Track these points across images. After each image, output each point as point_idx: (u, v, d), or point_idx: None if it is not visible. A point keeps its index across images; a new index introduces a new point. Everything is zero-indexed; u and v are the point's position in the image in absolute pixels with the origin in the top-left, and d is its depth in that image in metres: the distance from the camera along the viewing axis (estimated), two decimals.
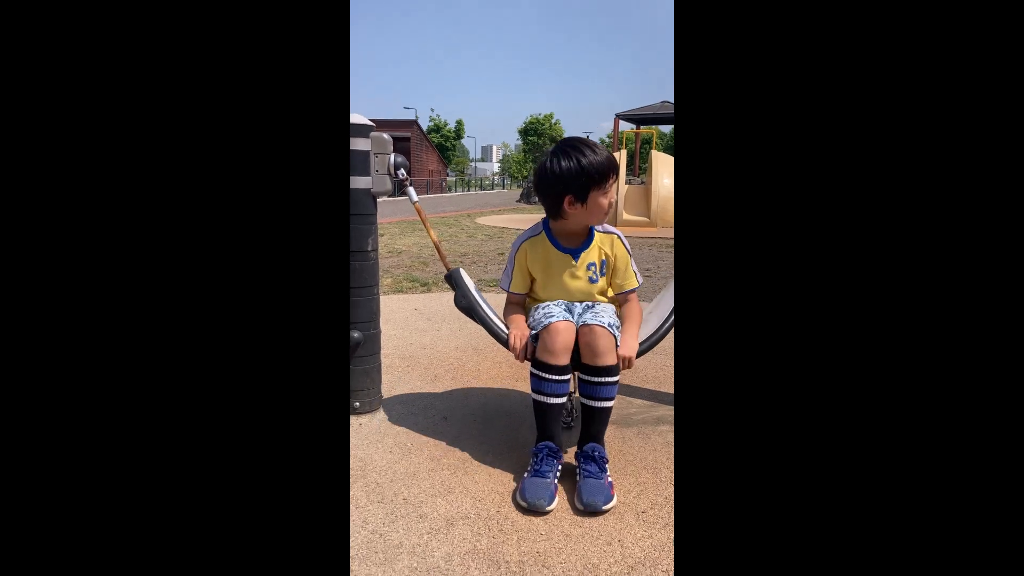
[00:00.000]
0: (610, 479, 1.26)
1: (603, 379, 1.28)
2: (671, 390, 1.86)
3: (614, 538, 1.10)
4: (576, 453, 1.33)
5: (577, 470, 1.29)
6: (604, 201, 1.34)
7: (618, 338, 1.31)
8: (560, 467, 1.31)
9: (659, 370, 2.08)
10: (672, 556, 1.04)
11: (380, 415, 1.66)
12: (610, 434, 1.46)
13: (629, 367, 1.32)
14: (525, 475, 1.28)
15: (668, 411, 1.70)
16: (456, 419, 1.65)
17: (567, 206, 1.33)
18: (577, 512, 1.19)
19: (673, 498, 1.23)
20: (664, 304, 1.56)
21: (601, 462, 1.27)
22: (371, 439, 1.51)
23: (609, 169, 1.32)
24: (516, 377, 2.00)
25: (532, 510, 1.19)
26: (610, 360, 1.28)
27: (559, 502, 1.21)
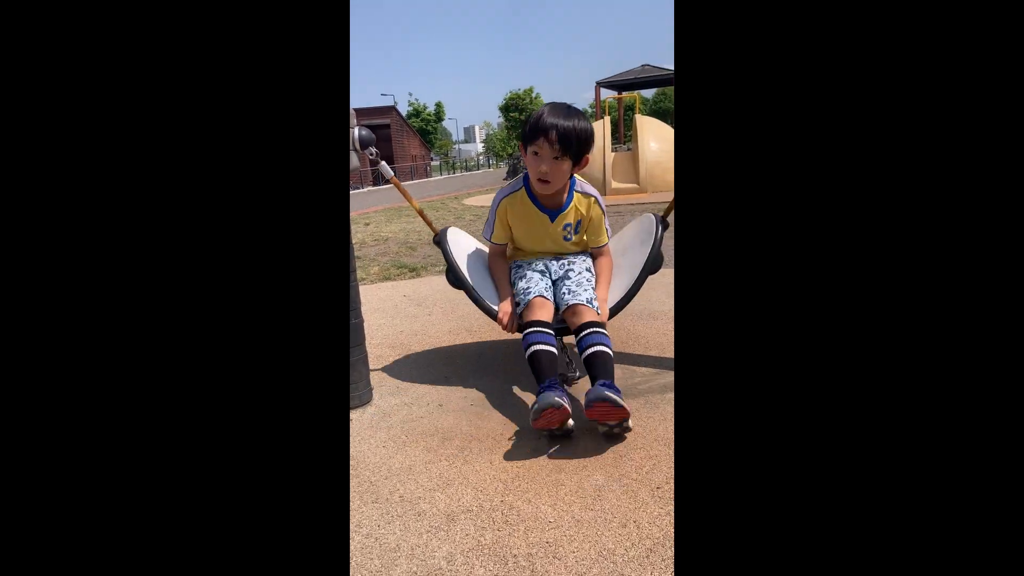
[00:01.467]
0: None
1: (591, 329, 1.40)
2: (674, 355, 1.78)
3: (629, 519, 1.01)
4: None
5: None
6: (533, 163, 1.43)
7: (596, 308, 1.49)
8: (567, 394, 1.32)
9: (661, 335, 1.99)
10: None
11: (370, 408, 1.57)
12: None
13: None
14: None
15: (673, 377, 1.62)
16: (452, 406, 1.55)
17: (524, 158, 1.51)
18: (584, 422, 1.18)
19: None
20: (633, 253, 1.68)
21: (614, 387, 1.27)
22: (362, 435, 1.41)
23: (536, 130, 1.40)
24: (514, 357, 1.90)
25: (551, 405, 1.21)
26: (592, 317, 1.44)
27: (567, 483, 1.13)
